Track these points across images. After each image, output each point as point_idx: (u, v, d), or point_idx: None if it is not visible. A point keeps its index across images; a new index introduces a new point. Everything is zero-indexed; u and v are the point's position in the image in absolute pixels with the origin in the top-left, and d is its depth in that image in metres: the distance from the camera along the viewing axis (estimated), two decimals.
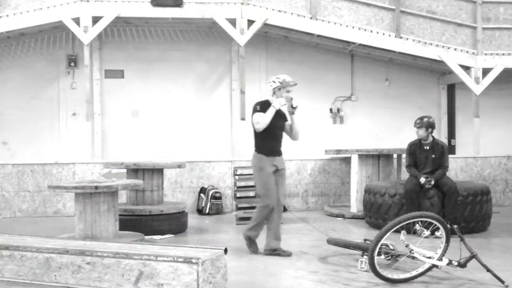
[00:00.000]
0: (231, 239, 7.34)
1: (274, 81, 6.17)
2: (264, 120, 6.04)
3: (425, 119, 7.62)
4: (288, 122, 6.29)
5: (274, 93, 6.18)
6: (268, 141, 6.16)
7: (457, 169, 10.30)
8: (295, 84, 6.21)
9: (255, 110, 6.14)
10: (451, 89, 12.27)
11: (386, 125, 12.00)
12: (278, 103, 6.07)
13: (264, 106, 6.11)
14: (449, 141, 12.06)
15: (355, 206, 9.00)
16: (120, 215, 7.03)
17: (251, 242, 6.35)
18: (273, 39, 11.67)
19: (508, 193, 10.48)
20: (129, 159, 10.18)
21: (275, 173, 6.19)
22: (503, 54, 11.06)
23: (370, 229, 7.87)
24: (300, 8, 10.65)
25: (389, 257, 5.55)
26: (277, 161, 6.21)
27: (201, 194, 9.57)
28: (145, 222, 7.42)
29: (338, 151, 9.47)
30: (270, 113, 6.05)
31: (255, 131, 6.18)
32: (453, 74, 11.22)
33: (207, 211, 9.42)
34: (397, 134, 11.70)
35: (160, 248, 4.96)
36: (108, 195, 6.33)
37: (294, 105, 6.15)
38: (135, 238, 6.56)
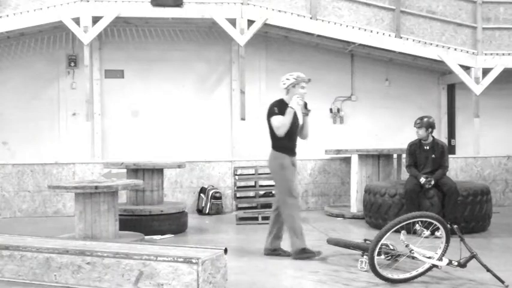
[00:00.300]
0: (231, 239, 7.34)
1: (288, 79, 6.08)
2: (284, 124, 5.96)
3: (425, 119, 7.62)
4: (300, 122, 6.28)
5: (288, 91, 6.09)
6: (287, 141, 6.11)
7: (457, 169, 10.29)
8: (310, 80, 6.18)
9: (273, 113, 6.03)
10: (451, 89, 12.27)
11: (387, 125, 12.00)
12: (295, 103, 5.97)
13: (281, 107, 6.03)
14: (449, 141, 12.06)
15: (355, 206, 9.00)
16: (120, 215, 7.03)
17: (309, 251, 6.04)
18: (273, 39, 11.67)
19: (508, 193, 10.48)
20: (129, 159, 10.18)
21: None
22: (503, 54, 11.06)
23: (370, 229, 7.86)
24: (300, 8, 10.65)
25: (389, 257, 5.55)
26: (294, 160, 6.21)
27: (201, 194, 9.57)
28: (145, 222, 7.41)
29: (338, 151, 9.47)
30: (289, 115, 5.97)
31: (272, 132, 6.11)
32: (453, 74, 11.21)
33: (207, 211, 9.41)
34: (397, 134, 11.70)
35: (160, 248, 4.96)
36: (108, 195, 6.33)
37: (307, 108, 6.14)
38: (135, 238, 6.56)
